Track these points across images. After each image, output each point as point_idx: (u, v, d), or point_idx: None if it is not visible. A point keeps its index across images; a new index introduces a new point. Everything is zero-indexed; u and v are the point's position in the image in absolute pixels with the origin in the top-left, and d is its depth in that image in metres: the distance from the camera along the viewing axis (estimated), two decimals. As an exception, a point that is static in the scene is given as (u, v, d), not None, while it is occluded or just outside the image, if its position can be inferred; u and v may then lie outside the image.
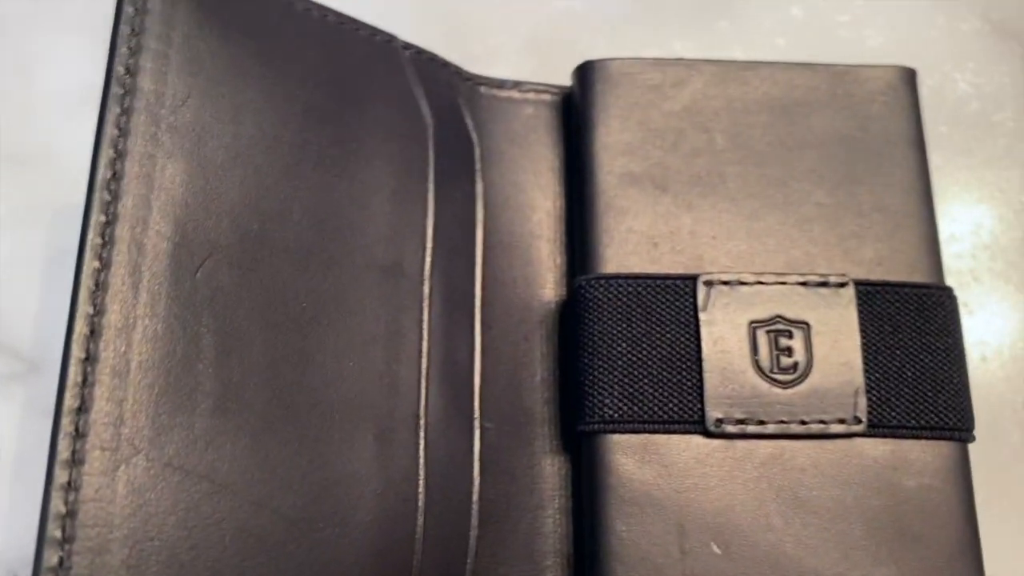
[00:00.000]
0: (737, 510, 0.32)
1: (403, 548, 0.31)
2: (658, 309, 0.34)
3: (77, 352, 0.27)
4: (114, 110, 0.28)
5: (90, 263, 0.27)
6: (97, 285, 0.27)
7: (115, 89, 0.29)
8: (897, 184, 0.36)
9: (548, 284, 0.37)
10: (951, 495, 0.33)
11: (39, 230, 0.42)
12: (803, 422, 0.33)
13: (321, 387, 0.30)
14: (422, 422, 0.32)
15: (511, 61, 0.45)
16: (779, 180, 0.36)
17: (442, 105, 0.37)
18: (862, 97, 0.37)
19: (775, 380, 0.33)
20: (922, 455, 0.33)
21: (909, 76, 0.38)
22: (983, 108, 0.46)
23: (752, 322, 0.34)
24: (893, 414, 0.33)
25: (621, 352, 0.33)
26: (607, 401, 0.33)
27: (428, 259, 0.34)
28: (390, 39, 0.36)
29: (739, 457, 0.33)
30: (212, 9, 0.31)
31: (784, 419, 0.33)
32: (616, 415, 0.33)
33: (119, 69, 0.29)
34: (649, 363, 0.33)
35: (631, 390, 0.33)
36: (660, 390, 0.33)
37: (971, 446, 0.34)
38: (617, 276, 0.34)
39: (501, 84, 0.39)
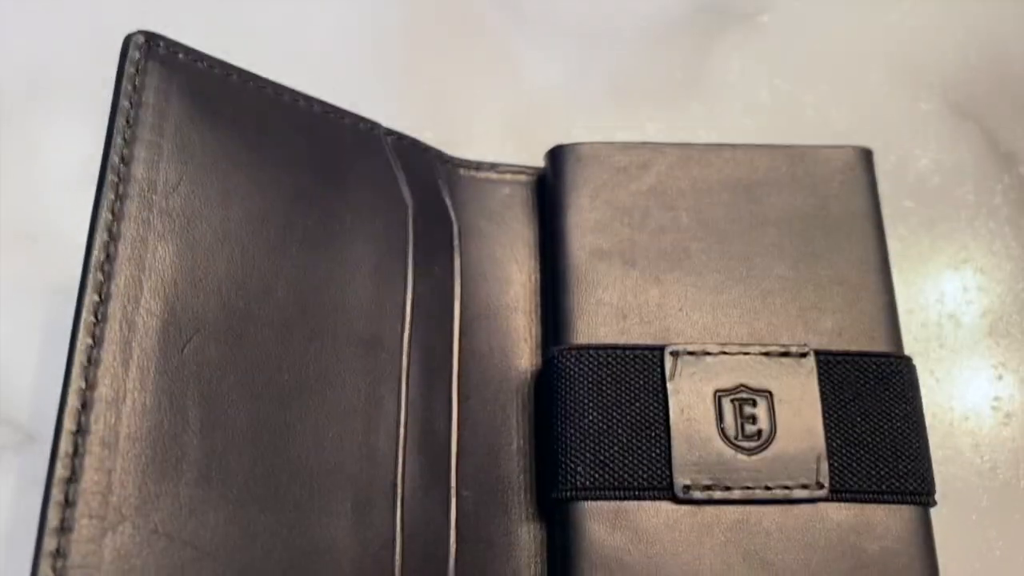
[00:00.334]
0: (706, 574, 0.33)
1: (380, 614, 0.32)
2: (627, 379, 0.35)
3: (69, 424, 0.28)
4: (109, 196, 0.30)
5: (83, 339, 0.29)
6: (89, 360, 0.29)
7: (110, 177, 0.31)
8: (856, 258, 0.38)
9: (524, 355, 0.39)
10: (914, 558, 0.34)
11: (40, 305, 0.44)
12: (768, 487, 0.34)
13: (302, 457, 0.32)
14: (399, 491, 0.33)
15: (492, 143, 0.48)
16: (742, 255, 0.38)
17: (422, 186, 0.39)
18: (821, 176, 0.39)
19: (740, 447, 0.34)
20: (884, 519, 0.34)
21: (866, 156, 0.40)
22: (944, 183, 0.48)
23: (717, 391, 0.35)
24: (855, 479, 0.34)
25: (592, 421, 0.35)
26: (579, 469, 0.34)
27: (407, 332, 0.36)
28: (373, 126, 0.38)
29: (707, 522, 0.34)
30: (203, 101, 0.34)
31: (749, 485, 0.34)
32: (588, 482, 0.34)
33: (114, 158, 0.31)
34: (619, 431, 0.35)
35: (602, 458, 0.34)
36: (630, 457, 0.34)
37: (938, 509, 0.35)
38: (588, 347, 0.36)
39: (479, 166, 0.41)
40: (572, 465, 0.34)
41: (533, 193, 0.41)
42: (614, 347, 0.36)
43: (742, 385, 0.35)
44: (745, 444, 0.35)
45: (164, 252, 0.31)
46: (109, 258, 0.30)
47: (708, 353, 0.36)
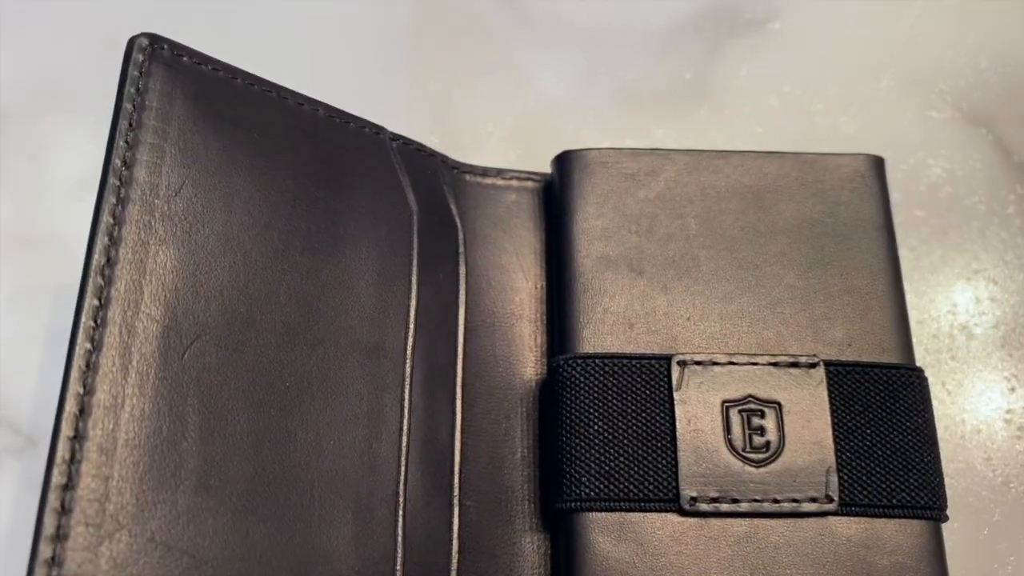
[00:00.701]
0: (712, 588, 0.33)
1: (380, 625, 0.31)
2: (633, 388, 0.35)
3: (66, 430, 0.28)
4: (110, 200, 0.30)
5: (82, 344, 0.29)
6: (88, 366, 0.29)
7: (112, 180, 0.30)
8: (866, 267, 0.37)
9: (529, 363, 0.38)
10: (925, 574, 0.33)
11: (43, 309, 0.44)
12: (776, 500, 0.33)
13: (302, 465, 0.31)
14: (401, 500, 0.33)
15: (498, 149, 0.47)
16: (751, 263, 0.37)
17: (427, 192, 0.39)
18: (831, 184, 0.39)
19: (748, 459, 0.34)
20: (895, 534, 0.34)
21: (877, 164, 0.40)
22: (956, 192, 0.47)
23: (725, 402, 0.35)
24: (865, 493, 0.34)
25: (597, 431, 0.34)
26: (584, 480, 0.34)
27: (410, 339, 0.35)
28: (378, 131, 0.38)
29: (713, 535, 0.33)
30: (207, 105, 0.33)
31: (757, 498, 0.33)
32: (593, 493, 0.34)
33: (116, 162, 0.31)
34: (625, 442, 0.34)
35: (607, 468, 0.34)
36: (636, 469, 0.34)
37: (950, 523, 0.35)
38: (594, 356, 0.35)
39: (485, 172, 0.41)
40: (577, 475, 0.34)
41: (539, 200, 0.41)
42: (620, 356, 0.35)
43: (750, 396, 0.35)
44: (753, 456, 0.34)
45: (165, 257, 0.31)
46: (110, 262, 0.30)
47: (716, 363, 0.35)
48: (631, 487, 0.34)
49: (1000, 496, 0.41)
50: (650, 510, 0.34)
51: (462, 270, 0.38)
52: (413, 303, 0.36)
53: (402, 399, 0.34)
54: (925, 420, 0.35)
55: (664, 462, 0.34)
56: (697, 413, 0.34)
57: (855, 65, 0.50)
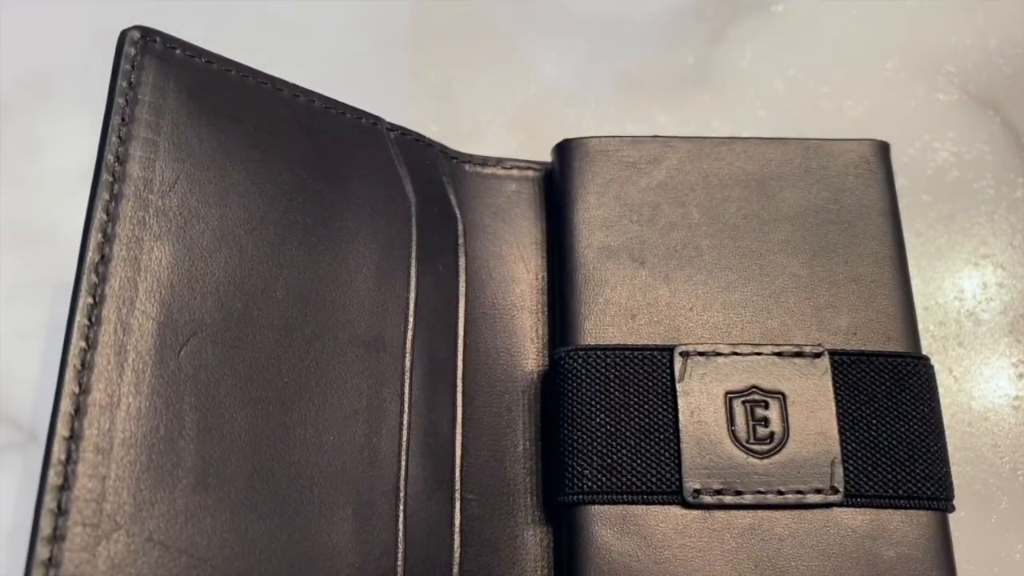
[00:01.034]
0: (716, 581, 0.32)
1: (382, 621, 0.31)
2: (636, 380, 0.35)
3: (61, 430, 0.27)
4: (103, 196, 0.30)
5: (77, 343, 0.28)
6: (83, 364, 0.28)
7: (104, 176, 0.30)
8: (871, 254, 0.37)
9: (531, 355, 0.38)
10: (931, 565, 0.33)
11: (42, 304, 0.44)
12: (780, 492, 0.33)
13: (302, 461, 0.31)
14: (402, 494, 0.33)
15: (498, 137, 0.47)
16: (754, 252, 0.37)
17: (426, 183, 0.38)
18: (835, 170, 0.38)
19: (752, 450, 0.34)
20: (901, 525, 0.33)
21: (882, 149, 0.39)
22: (963, 176, 0.46)
23: (728, 393, 0.34)
24: (870, 484, 0.33)
25: (600, 423, 0.34)
26: (586, 472, 0.33)
27: (410, 332, 0.35)
28: (375, 121, 0.38)
29: (717, 528, 0.33)
30: (200, 98, 0.33)
31: (761, 489, 0.33)
32: (595, 486, 0.33)
33: (109, 157, 0.30)
34: (627, 434, 0.34)
35: (610, 461, 0.34)
36: (638, 461, 0.34)
37: (956, 512, 0.34)
38: (595, 347, 0.35)
39: (484, 161, 0.40)
40: (579, 468, 0.34)
41: (540, 189, 0.40)
42: (622, 348, 0.35)
43: (754, 386, 0.34)
44: (757, 447, 0.34)
45: (160, 253, 0.30)
46: (104, 259, 0.29)
47: (719, 354, 0.35)
48: (634, 479, 0.33)
49: (1008, 483, 0.40)
50: (653, 503, 0.33)
51: (462, 261, 0.38)
52: (412, 296, 0.35)
53: (402, 393, 0.34)
54: (931, 409, 0.35)
55: (667, 454, 0.34)
56: (700, 404, 0.34)
57: (860, 47, 0.50)
